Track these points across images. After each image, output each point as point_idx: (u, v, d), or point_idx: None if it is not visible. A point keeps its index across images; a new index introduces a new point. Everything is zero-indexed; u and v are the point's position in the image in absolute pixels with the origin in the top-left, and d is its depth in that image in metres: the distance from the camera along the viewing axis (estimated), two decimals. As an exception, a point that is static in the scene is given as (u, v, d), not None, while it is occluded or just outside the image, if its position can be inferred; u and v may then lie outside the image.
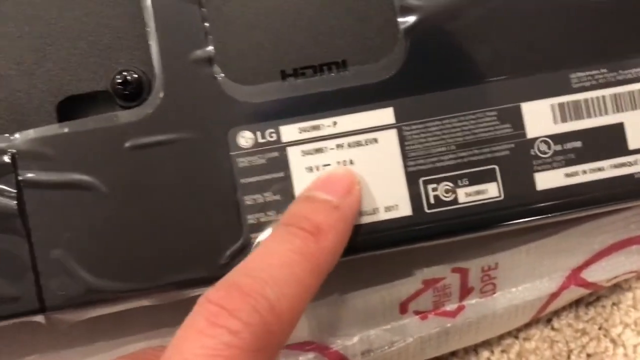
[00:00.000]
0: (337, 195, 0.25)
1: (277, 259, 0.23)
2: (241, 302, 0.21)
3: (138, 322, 0.31)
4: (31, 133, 0.27)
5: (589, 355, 0.37)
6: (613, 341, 0.37)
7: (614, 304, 0.38)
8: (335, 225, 0.24)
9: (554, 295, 0.33)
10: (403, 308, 0.31)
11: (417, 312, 0.32)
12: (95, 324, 0.30)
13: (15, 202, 0.26)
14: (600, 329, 0.37)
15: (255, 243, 0.26)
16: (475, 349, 0.37)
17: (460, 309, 0.32)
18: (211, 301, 0.21)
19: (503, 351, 0.37)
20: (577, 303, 0.38)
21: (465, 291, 0.32)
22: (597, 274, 0.33)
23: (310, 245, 0.23)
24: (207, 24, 0.27)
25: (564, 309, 0.37)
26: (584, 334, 0.37)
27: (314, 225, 0.23)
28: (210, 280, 0.26)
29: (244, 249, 0.27)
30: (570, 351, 0.37)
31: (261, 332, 0.21)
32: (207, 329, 0.20)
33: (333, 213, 0.24)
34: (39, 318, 0.27)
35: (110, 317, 0.29)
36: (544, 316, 0.37)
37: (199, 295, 0.27)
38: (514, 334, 0.37)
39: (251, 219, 0.27)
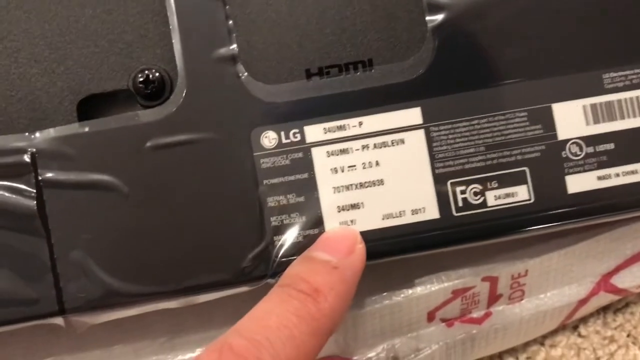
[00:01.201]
0: (338, 255, 0.24)
1: (274, 320, 0.22)
2: None
3: (158, 327, 0.30)
4: (51, 132, 0.26)
5: None
6: None
7: None
8: (334, 287, 0.23)
9: (582, 302, 0.32)
10: (430, 316, 0.31)
11: (443, 320, 0.31)
12: (113, 328, 0.29)
13: (35, 202, 0.26)
14: (628, 336, 0.36)
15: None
16: (500, 355, 0.36)
17: (487, 315, 0.31)
18: None
19: (528, 358, 0.36)
20: (605, 309, 0.37)
21: (494, 298, 0.31)
22: (628, 279, 0.33)
23: (309, 307, 0.23)
24: (230, 22, 0.26)
25: (591, 315, 0.36)
26: (612, 342, 0.36)
27: (312, 287, 0.23)
28: (231, 283, 0.26)
29: (267, 252, 0.26)
30: (597, 359, 0.36)
31: None
32: None
33: (332, 274, 0.24)
34: (58, 320, 0.27)
35: (130, 321, 0.29)
36: (571, 323, 0.36)
37: (219, 299, 0.27)
38: (540, 340, 0.36)
39: (274, 221, 0.26)
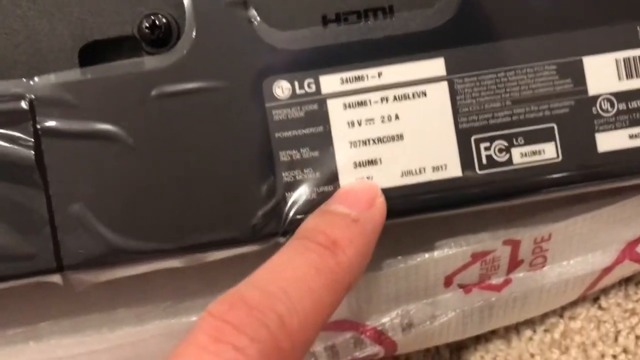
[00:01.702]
0: (357, 208, 0.24)
1: (290, 272, 0.21)
2: (247, 316, 0.20)
3: (162, 291, 0.29)
4: (51, 78, 0.25)
5: (637, 337, 0.35)
6: None
7: None
8: (354, 240, 0.23)
9: (606, 270, 0.31)
10: (448, 281, 0.30)
11: (461, 286, 0.30)
12: (115, 292, 0.29)
13: (33, 152, 0.25)
14: None
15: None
16: (516, 327, 0.36)
17: (506, 282, 0.30)
18: (214, 315, 0.20)
19: (546, 330, 0.35)
20: (627, 281, 0.36)
21: (514, 264, 0.30)
22: None
23: (328, 260, 0.22)
24: None
25: (612, 287, 0.36)
26: (634, 314, 0.36)
27: (331, 240, 0.22)
28: (240, 241, 0.26)
29: (278, 209, 0.25)
30: (618, 332, 0.36)
31: (270, 350, 0.19)
32: (209, 345, 0.19)
33: (351, 227, 0.23)
34: (56, 278, 0.26)
35: (132, 285, 0.28)
36: (592, 294, 0.36)
37: (226, 261, 0.26)
38: (559, 312, 0.36)
39: (286, 176, 0.25)
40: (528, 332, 0.35)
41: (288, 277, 0.21)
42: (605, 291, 0.36)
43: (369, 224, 0.23)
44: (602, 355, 0.35)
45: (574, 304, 0.36)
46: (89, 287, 0.27)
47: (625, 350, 0.35)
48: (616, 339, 0.35)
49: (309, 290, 0.21)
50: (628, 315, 0.36)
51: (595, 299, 0.36)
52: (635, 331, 0.35)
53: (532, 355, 0.35)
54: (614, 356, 0.35)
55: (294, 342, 0.20)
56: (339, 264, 0.22)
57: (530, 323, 0.36)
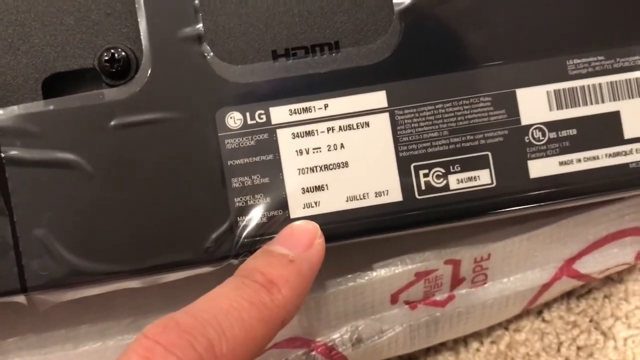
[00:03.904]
0: (296, 249, 0.25)
1: (224, 302, 0.22)
2: (177, 338, 0.21)
3: (124, 308, 0.30)
4: (15, 109, 0.26)
5: (579, 348, 0.37)
6: (604, 334, 0.37)
7: (605, 296, 0.37)
8: (290, 279, 0.24)
9: (545, 287, 0.33)
10: (394, 299, 0.31)
11: (407, 302, 0.31)
12: (79, 308, 0.30)
13: None
14: (591, 321, 0.37)
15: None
16: (464, 339, 0.37)
17: (450, 298, 0.32)
18: (147, 337, 0.21)
19: (493, 342, 0.37)
20: (568, 295, 0.37)
21: (457, 282, 0.31)
22: (590, 265, 0.33)
23: (263, 296, 0.23)
24: (196, 1, 0.26)
25: (555, 300, 0.37)
26: (575, 327, 0.37)
27: (267, 279, 0.24)
28: (194, 263, 0.27)
29: (230, 232, 0.26)
30: (560, 343, 0.37)
31: None
32: None
33: (288, 267, 0.24)
34: (20, 298, 0.27)
35: (95, 302, 0.29)
36: (535, 308, 0.37)
37: (183, 279, 0.27)
38: (504, 325, 0.37)
39: (238, 201, 0.26)
40: (475, 344, 0.37)
41: (222, 307, 0.22)
42: (548, 305, 0.37)
43: (306, 264, 0.24)
44: (546, 366, 0.37)
45: (518, 317, 0.37)
46: (52, 307, 0.27)
47: (567, 361, 0.37)
48: (559, 350, 0.37)
49: (240, 320, 0.22)
50: (570, 328, 0.37)
51: (539, 312, 0.37)
52: (576, 342, 0.37)
53: (480, 366, 0.36)
54: (557, 366, 0.37)
55: None
56: (274, 301, 0.23)
57: (478, 335, 0.37)
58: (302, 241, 0.25)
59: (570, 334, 0.37)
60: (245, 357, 0.22)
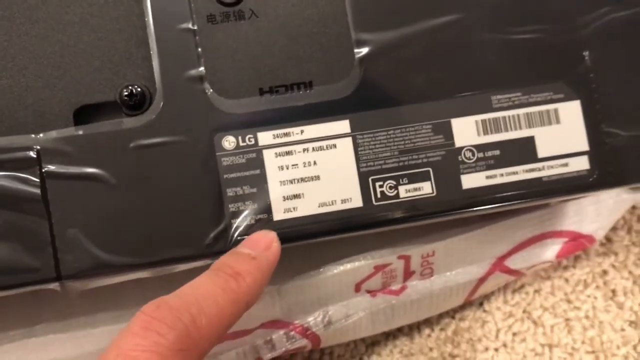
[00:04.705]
0: (257, 250, 0.29)
1: (203, 289, 0.27)
2: (168, 313, 0.25)
3: (131, 297, 0.34)
4: (53, 134, 0.30)
5: (514, 334, 0.40)
6: (534, 322, 0.40)
7: (535, 290, 0.41)
8: (251, 272, 0.28)
9: (482, 280, 0.37)
10: (357, 288, 0.35)
11: (368, 291, 0.36)
12: (95, 298, 0.33)
13: (39, 189, 0.29)
14: (524, 312, 0.41)
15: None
16: (418, 326, 0.40)
17: (403, 288, 0.36)
18: (145, 313, 0.25)
19: (442, 329, 0.40)
20: (505, 289, 0.41)
21: (408, 274, 0.36)
22: (518, 262, 0.37)
23: (232, 284, 0.27)
24: (200, 49, 0.31)
25: (493, 294, 0.41)
26: (510, 316, 0.40)
27: (235, 271, 0.28)
28: (196, 257, 0.30)
29: (225, 232, 0.30)
30: (498, 330, 0.40)
31: (183, 336, 0.25)
32: (140, 332, 0.24)
33: (251, 262, 0.28)
34: (55, 286, 0.30)
35: (108, 292, 0.32)
36: (476, 300, 0.40)
37: (182, 276, 0.30)
38: (451, 314, 0.40)
39: (232, 207, 0.30)
40: (427, 330, 0.40)
41: (201, 292, 0.27)
42: (488, 297, 0.41)
43: (265, 261, 0.29)
44: (486, 349, 0.40)
45: (462, 307, 0.40)
46: (78, 294, 0.31)
47: (504, 345, 0.40)
48: (497, 336, 0.41)
49: (215, 302, 0.26)
50: (506, 317, 0.41)
51: (480, 304, 0.41)
52: (512, 329, 0.41)
53: (431, 349, 0.40)
54: (496, 349, 0.40)
55: (201, 334, 0.25)
56: (240, 287, 0.27)
57: (429, 323, 0.40)
58: (262, 244, 0.29)
59: (506, 322, 0.40)
60: (219, 330, 0.26)
